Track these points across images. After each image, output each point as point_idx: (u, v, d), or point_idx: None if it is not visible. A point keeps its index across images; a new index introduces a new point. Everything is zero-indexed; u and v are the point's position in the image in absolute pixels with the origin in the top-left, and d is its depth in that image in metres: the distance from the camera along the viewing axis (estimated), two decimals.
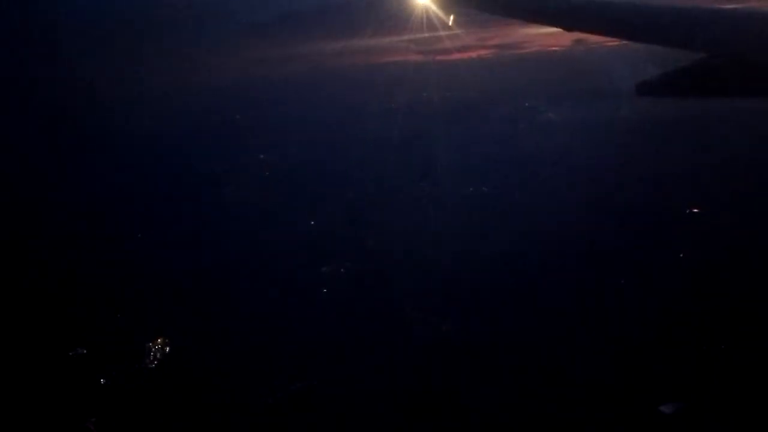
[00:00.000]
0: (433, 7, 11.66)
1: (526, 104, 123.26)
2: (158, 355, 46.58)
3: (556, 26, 8.18)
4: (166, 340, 47.70)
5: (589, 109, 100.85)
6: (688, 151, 70.29)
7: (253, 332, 47.61)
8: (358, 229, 66.46)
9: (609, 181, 68.88)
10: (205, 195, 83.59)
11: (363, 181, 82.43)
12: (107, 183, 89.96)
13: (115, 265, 59.72)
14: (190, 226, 71.95)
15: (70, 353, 45.93)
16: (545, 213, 64.25)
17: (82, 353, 46.07)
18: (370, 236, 64.54)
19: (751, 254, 48.11)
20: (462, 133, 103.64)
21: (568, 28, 7.86)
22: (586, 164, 75.69)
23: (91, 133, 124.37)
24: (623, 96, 67.19)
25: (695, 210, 59.52)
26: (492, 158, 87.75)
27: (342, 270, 58.30)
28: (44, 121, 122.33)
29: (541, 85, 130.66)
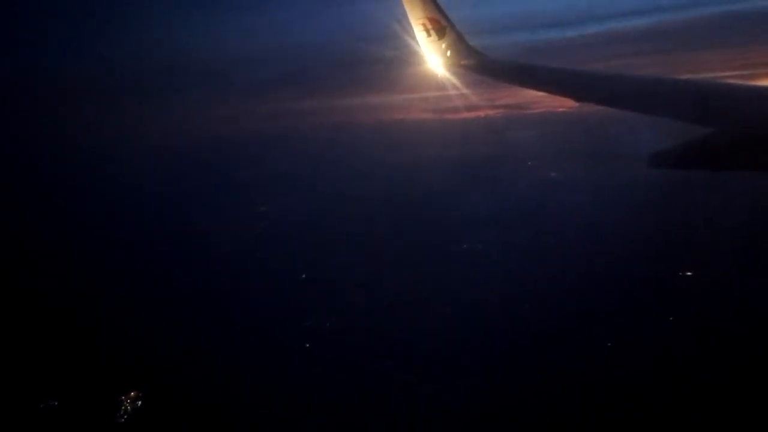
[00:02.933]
0: (443, 70, 12.37)
1: (529, 163, 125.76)
2: (130, 409, 45.84)
3: (565, 97, 8.75)
4: (140, 394, 47.07)
5: (593, 172, 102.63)
6: (690, 219, 71.75)
7: (230, 388, 47.13)
8: (352, 284, 66.84)
9: (600, 243, 70.04)
10: (199, 246, 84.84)
11: (361, 235, 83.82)
12: (97, 231, 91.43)
13: (95, 315, 59.94)
14: (180, 276, 72.60)
15: (41, 405, 45.32)
16: (535, 271, 65.43)
17: (53, 405, 45.45)
18: (362, 292, 64.78)
19: (739, 313, 49.99)
20: (464, 190, 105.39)
21: (579, 99, 8.43)
22: (581, 225, 76.97)
23: (89, 182, 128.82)
24: (629, 162, 68.92)
25: (688, 273, 61.57)
26: (489, 215, 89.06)
27: (327, 324, 58.58)
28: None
29: (547, 146, 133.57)
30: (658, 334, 49.95)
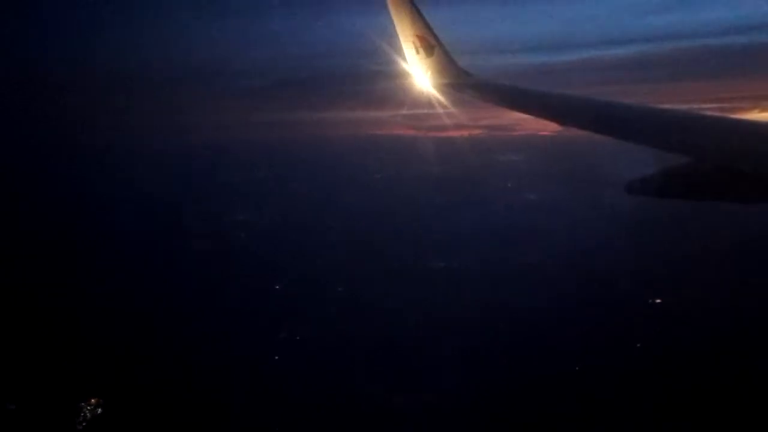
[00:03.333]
0: (430, 88, 12.49)
1: (508, 185, 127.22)
2: (89, 416, 45.17)
3: (550, 120, 8.92)
4: (100, 401, 46.39)
5: (571, 196, 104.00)
6: (663, 247, 73.13)
7: (194, 399, 46.71)
8: (327, 297, 67.09)
9: (571, 268, 70.96)
10: (173, 255, 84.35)
11: (337, 248, 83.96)
12: (68, 235, 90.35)
13: (59, 319, 58.96)
14: (152, 285, 71.59)
15: None
16: (505, 293, 66.14)
17: (11, 409, 44.59)
18: (336, 306, 65.02)
19: (706, 340, 51.13)
20: (441, 208, 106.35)
21: (563, 123, 8.60)
22: (554, 249, 78.05)
23: (83, 185, 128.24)
24: (608, 187, 70.05)
25: (657, 300, 62.88)
26: (466, 235, 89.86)
27: (298, 337, 58.86)
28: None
29: (527, 169, 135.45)
30: (625, 361, 50.78)
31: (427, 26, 12.42)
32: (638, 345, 53.87)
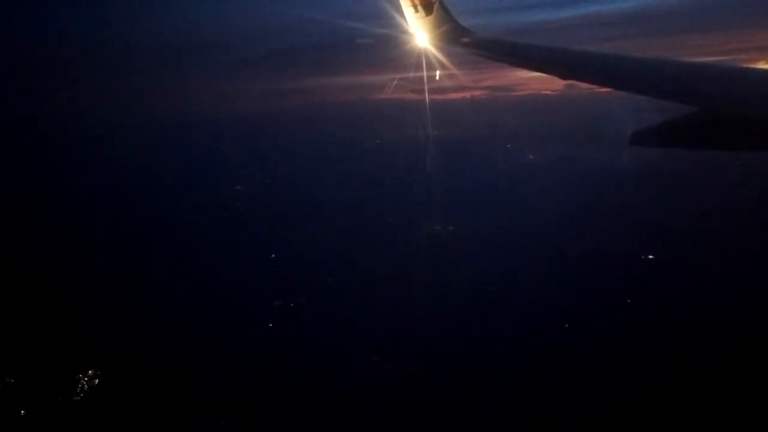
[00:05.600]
0: (430, 47, 12.39)
1: (508, 146, 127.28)
2: (87, 388, 45.87)
3: (552, 74, 8.92)
4: (98, 372, 47.07)
5: (572, 154, 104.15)
6: (663, 202, 73.48)
7: (189, 368, 47.54)
8: (322, 265, 67.57)
9: (567, 227, 71.69)
10: (171, 224, 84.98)
11: (334, 215, 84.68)
12: (61, 208, 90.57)
13: (54, 292, 59.70)
14: (148, 254, 72.61)
15: None
16: (500, 254, 67.12)
17: (10, 382, 45.36)
18: (331, 274, 65.58)
19: (695, 298, 51.95)
20: (439, 172, 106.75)
21: (564, 76, 8.62)
22: (550, 209, 78.57)
23: (79, 153, 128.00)
24: (610, 143, 70.13)
25: (650, 256, 63.26)
26: (462, 198, 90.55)
27: (292, 305, 59.43)
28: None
29: (529, 128, 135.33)
30: (613, 317, 51.64)
31: None
32: (628, 301, 54.54)
